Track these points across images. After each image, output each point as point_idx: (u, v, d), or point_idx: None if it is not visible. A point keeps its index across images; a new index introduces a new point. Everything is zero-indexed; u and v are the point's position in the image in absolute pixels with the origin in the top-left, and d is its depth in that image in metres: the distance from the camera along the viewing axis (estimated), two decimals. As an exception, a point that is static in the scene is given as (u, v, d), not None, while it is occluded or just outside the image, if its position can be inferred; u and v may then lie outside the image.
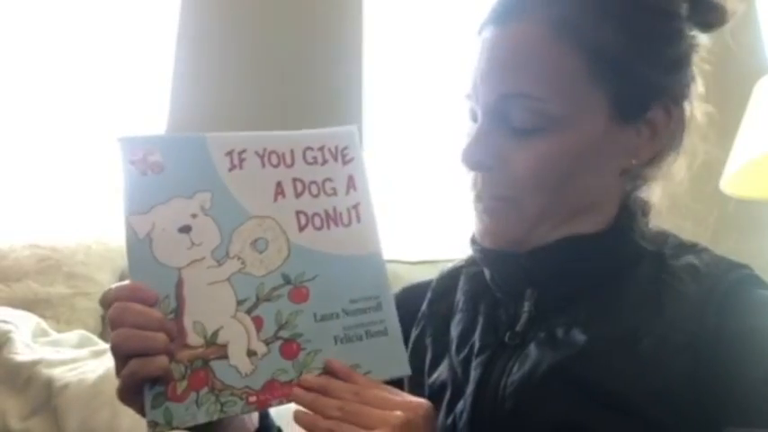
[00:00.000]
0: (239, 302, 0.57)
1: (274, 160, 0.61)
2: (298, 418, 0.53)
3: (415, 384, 0.68)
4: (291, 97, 1.89)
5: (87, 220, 1.74)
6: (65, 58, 1.91)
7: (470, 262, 0.73)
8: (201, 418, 0.53)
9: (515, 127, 0.59)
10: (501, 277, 0.66)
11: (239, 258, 0.58)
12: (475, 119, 0.64)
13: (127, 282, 0.56)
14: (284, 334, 0.57)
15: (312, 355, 0.57)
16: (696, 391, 0.54)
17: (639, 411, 0.54)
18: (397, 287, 0.79)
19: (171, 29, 1.90)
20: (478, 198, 0.63)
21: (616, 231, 0.63)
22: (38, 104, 1.90)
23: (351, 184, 0.62)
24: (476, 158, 0.62)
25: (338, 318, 0.58)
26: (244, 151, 0.60)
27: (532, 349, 0.60)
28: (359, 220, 0.61)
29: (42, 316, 1.42)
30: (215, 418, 0.54)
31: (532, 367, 0.59)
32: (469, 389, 0.62)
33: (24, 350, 1.23)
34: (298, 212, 0.60)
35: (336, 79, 1.90)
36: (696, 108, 0.66)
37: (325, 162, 0.62)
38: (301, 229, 0.59)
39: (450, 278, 0.74)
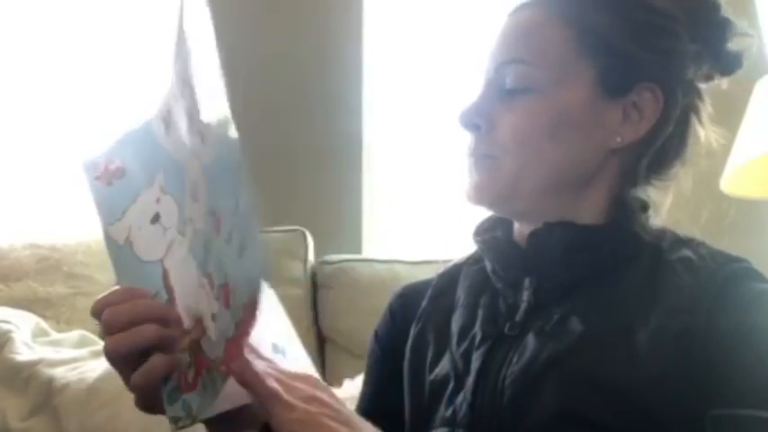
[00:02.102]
0: (198, 266, 0.53)
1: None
2: None
3: (416, 380, 0.68)
4: (293, 99, 1.89)
5: (87, 220, 1.74)
6: (65, 56, 1.91)
7: (471, 260, 0.74)
8: (212, 403, 0.50)
9: (505, 90, 0.65)
10: (501, 266, 0.67)
11: (191, 220, 0.54)
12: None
13: (115, 287, 0.56)
14: (221, 279, 0.50)
15: (236, 295, 0.49)
16: (689, 379, 0.55)
17: (636, 401, 0.55)
18: (397, 287, 0.80)
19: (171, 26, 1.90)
20: (469, 157, 0.67)
21: (616, 224, 0.65)
22: (38, 104, 1.90)
23: None
24: (468, 118, 0.66)
25: (230, 242, 0.50)
26: (170, 111, 0.55)
27: (531, 339, 0.61)
28: None
29: (42, 316, 1.42)
30: (215, 401, 0.50)
31: (531, 357, 0.60)
32: (469, 380, 0.62)
33: (24, 350, 1.23)
34: None
35: (337, 80, 1.90)
36: (710, 131, 0.69)
37: None
38: None
39: (450, 275, 0.75)
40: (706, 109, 0.69)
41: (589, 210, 0.65)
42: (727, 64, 0.69)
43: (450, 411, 0.62)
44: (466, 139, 0.68)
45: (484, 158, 0.66)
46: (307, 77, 1.89)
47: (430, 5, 1.99)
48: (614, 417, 0.56)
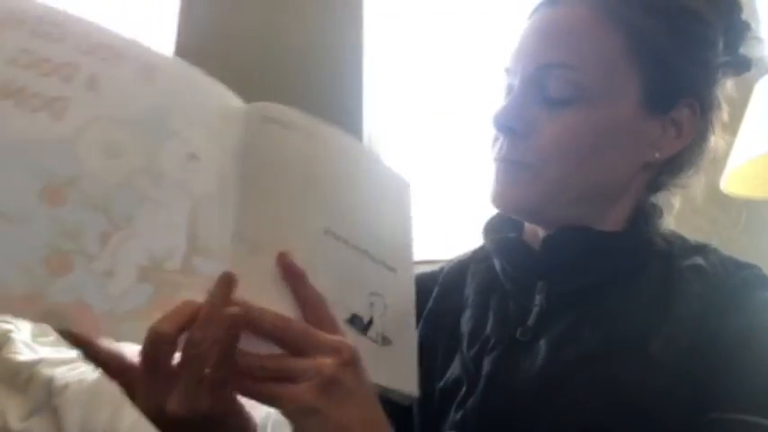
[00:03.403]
0: None
1: None
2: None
3: (426, 382, 0.67)
4: (292, 99, 1.89)
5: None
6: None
7: (478, 257, 0.73)
8: None
9: (549, 96, 0.61)
10: (512, 267, 0.66)
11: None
12: (508, 93, 0.65)
13: None
14: None
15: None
16: (700, 388, 0.54)
17: (650, 412, 0.54)
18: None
19: (172, 20, 1.90)
20: (500, 161, 0.63)
21: (632, 232, 0.64)
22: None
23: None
24: (505, 121, 0.62)
25: None
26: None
27: (543, 346, 0.60)
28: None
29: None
30: None
31: (543, 365, 0.59)
32: (480, 385, 0.62)
33: (24, 350, 1.23)
34: None
35: (337, 79, 1.90)
36: (720, 138, 0.67)
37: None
38: None
39: (457, 273, 0.74)
40: (722, 117, 0.67)
41: (612, 218, 0.64)
42: (737, 66, 0.67)
43: (459, 416, 0.61)
44: (490, 140, 0.66)
45: (517, 166, 0.62)
46: (307, 77, 1.89)
47: (430, 5, 1.99)
48: (627, 426, 0.55)
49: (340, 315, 0.54)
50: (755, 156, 1.40)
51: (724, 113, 0.67)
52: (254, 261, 0.52)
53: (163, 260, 0.48)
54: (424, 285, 0.73)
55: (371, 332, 0.56)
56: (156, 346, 0.45)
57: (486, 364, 0.62)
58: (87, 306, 0.45)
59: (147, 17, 1.96)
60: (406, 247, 0.64)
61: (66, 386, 1.14)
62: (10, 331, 1.25)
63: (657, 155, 0.63)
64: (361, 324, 0.56)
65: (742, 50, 0.67)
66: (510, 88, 0.65)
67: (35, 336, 1.31)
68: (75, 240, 0.45)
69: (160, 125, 0.51)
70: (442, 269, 0.77)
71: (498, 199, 0.64)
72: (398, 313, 0.59)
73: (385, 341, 0.57)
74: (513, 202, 0.63)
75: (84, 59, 0.50)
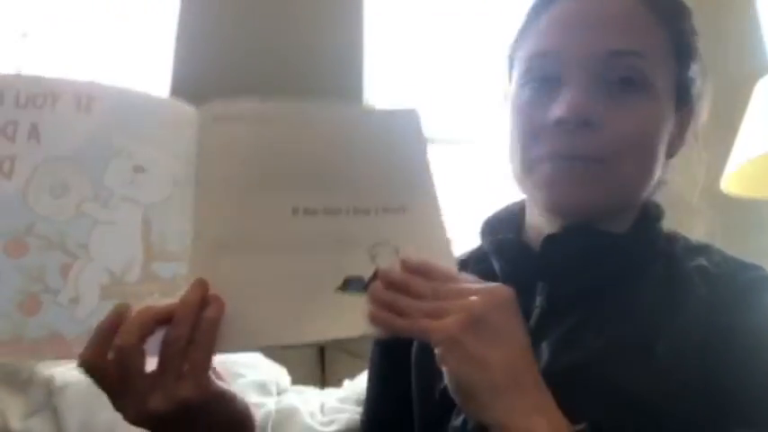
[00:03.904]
0: None
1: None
2: (374, 316, 0.51)
3: (424, 386, 0.67)
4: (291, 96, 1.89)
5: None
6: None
7: (475, 258, 0.72)
8: None
9: (618, 85, 0.59)
10: (512, 268, 0.65)
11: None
12: (544, 80, 0.61)
13: None
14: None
15: None
16: (707, 392, 0.54)
17: (656, 415, 0.54)
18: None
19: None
20: (569, 157, 0.59)
21: (634, 233, 0.63)
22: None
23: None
24: (583, 114, 0.58)
25: None
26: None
27: (544, 349, 0.59)
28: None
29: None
30: None
31: (546, 368, 0.58)
32: None
33: (24, 350, 1.22)
34: None
35: (336, 78, 1.90)
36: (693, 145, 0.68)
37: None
38: None
39: None
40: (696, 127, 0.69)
41: (624, 219, 0.64)
42: None
43: (460, 420, 0.61)
44: (543, 138, 0.60)
45: (588, 162, 0.58)
46: (307, 77, 1.89)
47: (431, 4, 1.99)
48: (631, 430, 0.54)
49: (330, 285, 0.54)
50: (755, 156, 1.40)
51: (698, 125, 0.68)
52: (217, 259, 0.53)
53: (122, 274, 0.52)
54: None
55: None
56: (124, 358, 0.48)
57: None
58: (60, 336, 0.50)
59: (147, 17, 1.96)
60: (420, 179, 0.59)
61: (66, 386, 1.14)
62: (10, 331, 1.24)
63: (673, 154, 0.64)
64: (360, 284, 0.54)
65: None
66: (542, 76, 0.62)
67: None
68: (40, 281, 0.50)
69: (102, 149, 0.55)
70: None
71: (569, 199, 0.60)
72: (419, 249, 0.56)
73: None
74: (586, 202, 0.59)
75: (22, 113, 0.53)
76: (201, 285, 0.51)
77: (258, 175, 0.56)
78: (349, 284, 0.54)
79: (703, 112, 0.67)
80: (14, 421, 1.12)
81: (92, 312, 0.50)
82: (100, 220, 0.53)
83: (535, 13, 0.64)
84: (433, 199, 0.59)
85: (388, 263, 0.55)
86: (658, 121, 0.60)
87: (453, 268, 0.55)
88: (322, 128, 0.59)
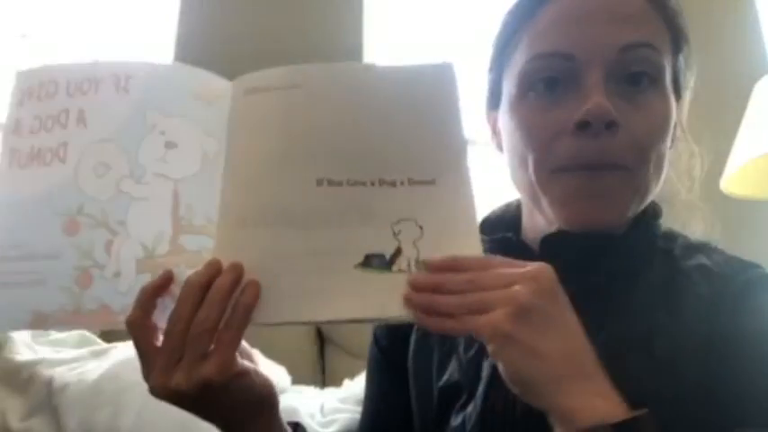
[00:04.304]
0: None
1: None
2: (418, 317, 0.49)
3: (422, 387, 0.67)
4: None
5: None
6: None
7: None
8: None
9: (631, 81, 0.57)
10: None
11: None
12: (550, 83, 0.59)
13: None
14: None
15: None
16: (707, 390, 0.53)
17: (654, 414, 0.54)
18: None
19: None
20: (594, 167, 0.57)
21: (633, 232, 0.62)
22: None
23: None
24: (609, 116, 0.55)
25: None
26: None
27: None
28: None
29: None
30: None
31: None
32: (480, 389, 0.60)
33: (24, 350, 1.22)
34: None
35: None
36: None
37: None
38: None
39: None
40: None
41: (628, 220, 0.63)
42: None
43: (459, 420, 0.61)
44: (559, 148, 0.57)
45: (615, 170, 0.56)
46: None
47: (431, 4, 1.99)
48: None
49: (351, 261, 0.53)
50: (755, 156, 1.40)
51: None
52: (242, 232, 0.54)
53: (153, 248, 0.55)
54: None
55: (401, 263, 0.53)
56: (133, 333, 0.51)
57: (486, 368, 0.61)
58: (108, 307, 0.54)
59: (148, 17, 1.96)
60: (452, 145, 0.56)
61: (66, 386, 1.14)
62: (10, 331, 1.25)
63: (671, 148, 0.63)
64: (381, 261, 0.53)
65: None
66: (549, 77, 0.59)
67: (35, 336, 1.31)
68: (90, 257, 0.55)
69: (137, 126, 0.57)
70: None
71: (590, 219, 0.58)
72: (443, 227, 0.54)
73: (422, 266, 0.53)
74: (610, 218, 0.58)
75: (71, 102, 0.58)
76: (236, 269, 0.51)
77: (285, 146, 0.56)
78: (370, 261, 0.53)
79: (687, 101, 0.66)
80: (14, 421, 1.12)
81: (130, 286, 0.54)
82: (135, 197, 0.56)
83: (528, 12, 0.61)
84: (464, 169, 0.55)
85: (411, 240, 0.53)
86: (670, 116, 0.59)
87: (479, 250, 0.53)
88: (350, 90, 0.57)
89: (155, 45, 1.92)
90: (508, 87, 0.63)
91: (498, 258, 0.50)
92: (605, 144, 0.56)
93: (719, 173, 1.46)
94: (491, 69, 0.67)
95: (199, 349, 0.49)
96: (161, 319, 0.52)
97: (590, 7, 0.58)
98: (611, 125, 0.55)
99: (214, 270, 0.51)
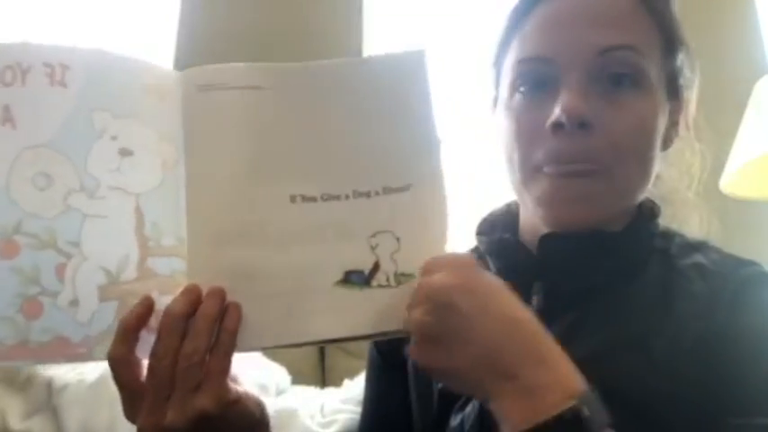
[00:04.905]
0: None
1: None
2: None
3: (422, 388, 0.67)
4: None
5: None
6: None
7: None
8: None
9: (613, 83, 0.57)
10: (508, 269, 0.65)
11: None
12: (536, 85, 0.60)
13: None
14: None
15: None
16: (705, 388, 0.54)
17: (652, 414, 0.54)
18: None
19: None
20: (570, 173, 0.57)
21: (631, 232, 0.63)
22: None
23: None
24: (581, 117, 0.56)
25: None
26: None
27: None
28: None
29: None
30: None
31: None
32: None
33: (24, 350, 1.23)
34: None
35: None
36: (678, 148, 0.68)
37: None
38: None
39: None
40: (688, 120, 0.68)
41: (620, 219, 0.63)
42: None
43: (458, 421, 0.60)
44: (545, 148, 0.58)
45: (589, 172, 0.57)
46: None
47: (430, 4, 1.99)
48: (630, 429, 0.54)
49: (330, 279, 0.51)
50: (755, 156, 1.40)
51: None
52: (217, 253, 0.50)
53: (118, 273, 0.49)
54: None
55: (379, 278, 0.52)
56: (118, 370, 0.48)
57: None
58: (65, 339, 0.48)
59: (147, 17, 1.96)
60: (424, 146, 0.54)
61: (66, 386, 1.14)
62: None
63: (666, 147, 0.64)
64: (360, 277, 0.52)
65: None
66: (536, 79, 0.60)
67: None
68: (36, 283, 0.48)
69: (83, 131, 0.49)
70: None
71: (569, 217, 0.58)
72: (419, 237, 0.53)
73: (401, 279, 0.52)
74: (588, 217, 0.58)
75: None
76: (219, 294, 0.49)
77: (253, 157, 0.52)
78: (350, 278, 0.52)
79: (693, 101, 0.66)
80: (14, 421, 1.12)
81: (93, 315, 0.48)
82: (89, 214, 0.49)
83: (519, 15, 0.62)
84: (438, 172, 0.54)
85: (389, 253, 0.52)
86: (655, 117, 0.59)
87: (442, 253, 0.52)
88: (317, 93, 0.53)
89: (155, 45, 1.92)
90: (501, 89, 0.65)
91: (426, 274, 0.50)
92: (580, 144, 0.56)
93: (719, 173, 1.46)
94: (490, 72, 0.68)
95: (190, 382, 0.47)
96: (138, 352, 0.49)
97: (574, 11, 0.58)
98: (583, 125, 0.56)
99: (195, 297, 0.49)
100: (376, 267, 0.52)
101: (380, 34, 1.99)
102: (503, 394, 0.45)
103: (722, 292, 0.57)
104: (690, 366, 0.54)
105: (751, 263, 0.60)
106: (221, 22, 1.92)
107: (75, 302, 0.48)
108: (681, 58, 0.63)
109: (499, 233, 0.67)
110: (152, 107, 0.50)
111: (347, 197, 0.52)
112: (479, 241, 0.68)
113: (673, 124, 0.64)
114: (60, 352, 0.48)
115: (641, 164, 0.59)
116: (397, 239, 0.52)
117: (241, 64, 0.52)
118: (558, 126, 0.57)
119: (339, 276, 0.52)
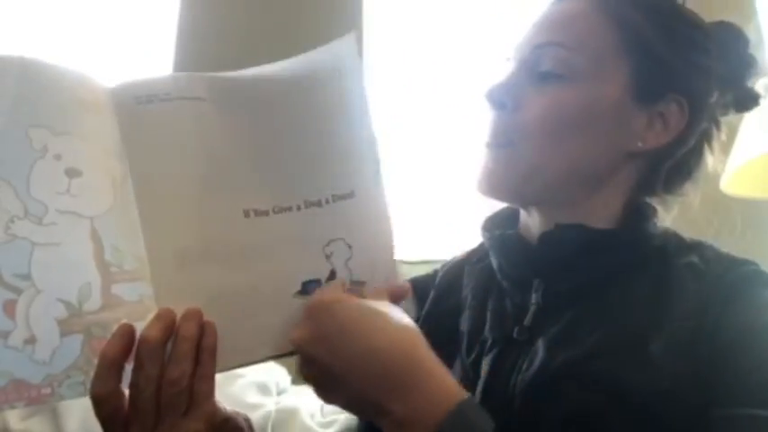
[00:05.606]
0: None
1: None
2: None
3: None
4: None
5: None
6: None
7: (474, 257, 0.73)
8: None
9: (539, 72, 0.63)
10: (509, 264, 0.66)
11: None
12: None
13: None
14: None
15: None
16: (701, 385, 0.54)
17: (651, 412, 0.54)
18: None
19: None
20: (486, 144, 0.65)
21: (628, 230, 0.64)
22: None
23: None
24: (498, 95, 0.64)
25: None
26: None
27: (540, 346, 0.60)
28: None
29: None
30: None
31: (541, 365, 0.59)
32: (478, 387, 0.61)
33: (24, 350, 1.23)
34: None
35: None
36: (717, 160, 0.69)
37: None
38: None
39: (453, 275, 0.74)
40: (719, 138, 0.69)
41: (602, 213, 0.64)
42: (745, 100, 0.69)
43: None
44: (482, 125, 0.67)
45: (502, 147, 0.64)
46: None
47: (430, 4, 1.99)
48: (627, 427, 0.54)
49: (289, 291, 0.51)
50: (755, 156, 1.40)
51: (722, 135, 0.69)
52: (180, 273, 0.49)
53: (80, 304, 0.45)
54: (421, 289, 0.74)
55: None
56: (100, 407, 0.47)
57: (484, 365, 0.62)
58: (23, 382, 0.43)
59: (147, 18, 1.96)
60: (364, 148, 0.55)
61: (66, 386, 1.14)
62: (10, 331, 1.24)
63: (640, 144, 0.63)
64: (318, 286, 0.52)
65: (750, 84, 0.68)
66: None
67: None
68: None
69: (20, 150, 0.44)
70: (436, 272, 0.77)
71: (484, 182, 0.64)
72: (368, 242, 0.54)
73: (356, 285, 0.53)
74: (494, 183, 0.64)
75: None
76: (196, 315, 0.48)
77: (203, 172, 0.50)
78: (307, 288, 0.52)
79: (695, 101, 0.66)
80: (14, 421, 1.12)
81: (54, 352, 0.44)
82: (38, 243, 0.43)
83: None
84: (377, 177, 0.55)
85: (343, 260, 0.53)
86: (576, 108, 0.61)
87: (392, 265, 0.54)
88: (258, 102, 0.52)
89: (155, 45, 1.92)
90: None
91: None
92: (496, 120, 0.64)
93: (719, 173, 1.46)
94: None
95: (180, 408, 0.47)
96: None
97: (542, 16, 0.66)
98: (502, 105, 0.64)
99: (170, 321, 0.48)
100: (332, 275, 0.52)
101: (380, 34, 1.99)
102: (385, 427, 0.48)
103: (715, 291, 0.58)
104: (687, 364, 0.55)
105: (746, 261, 0.61)
106: (221, 22, 1.91)
107: (31, 340, 0.43)
108: (671, 56, 0.63)
109: (503, 230, 0.68)
110: (91, 122, 0.46)
111: (299, 208, 0.52)
112: (483, 237, 0.69)
113: (664, 127, 0.64)
114: (19, 396, 0.43)
115: (554, 147, 0.62)
116: (350, 247, 0.53)
117: (182, 74, 0.51)
118: (486, 104, 0.65)
119: (298, 287, 0.52)
